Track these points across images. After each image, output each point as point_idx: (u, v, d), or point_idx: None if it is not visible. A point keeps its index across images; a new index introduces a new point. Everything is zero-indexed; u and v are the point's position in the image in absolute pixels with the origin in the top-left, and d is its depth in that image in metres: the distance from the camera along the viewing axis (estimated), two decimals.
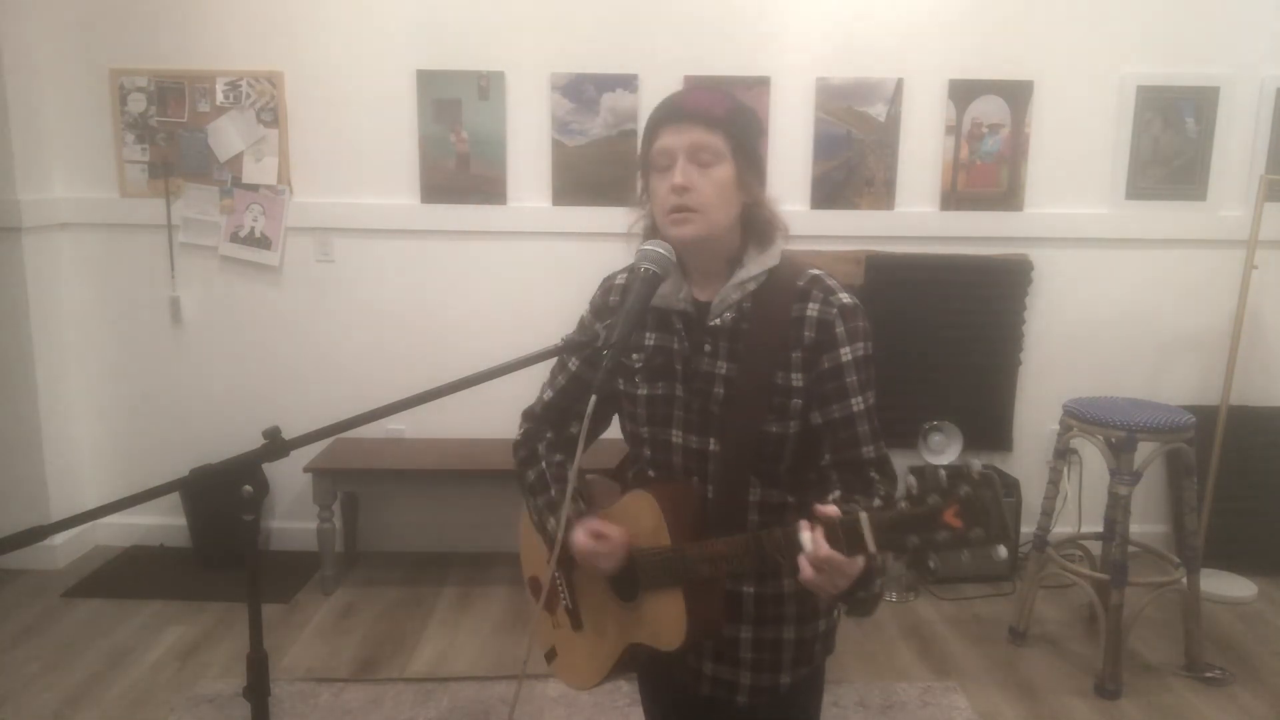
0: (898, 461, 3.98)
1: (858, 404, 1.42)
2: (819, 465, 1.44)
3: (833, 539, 1.18)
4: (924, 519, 1.13)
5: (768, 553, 1.32)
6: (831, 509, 1.20)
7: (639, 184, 1.50)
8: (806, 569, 1.21)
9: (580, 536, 1.47)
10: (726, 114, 1.40)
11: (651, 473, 1.54)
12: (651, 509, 1.44)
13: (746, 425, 1.42)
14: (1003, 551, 1.12)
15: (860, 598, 1.29)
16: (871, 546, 1.16)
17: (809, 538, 1.20)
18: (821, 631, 1.55)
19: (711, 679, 1.54)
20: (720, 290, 1.44)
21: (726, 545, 1.36)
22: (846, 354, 1.41)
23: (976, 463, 1.12)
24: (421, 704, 2.87)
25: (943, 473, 1.14)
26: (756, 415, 1.42)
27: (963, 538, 1.11)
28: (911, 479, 1.17)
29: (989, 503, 1.10)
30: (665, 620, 1.45)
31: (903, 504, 1.14)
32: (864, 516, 1.16)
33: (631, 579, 1.48)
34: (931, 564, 1.12)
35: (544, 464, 1.60)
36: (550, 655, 1.71)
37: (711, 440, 1.45)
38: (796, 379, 1.42)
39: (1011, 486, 3.74)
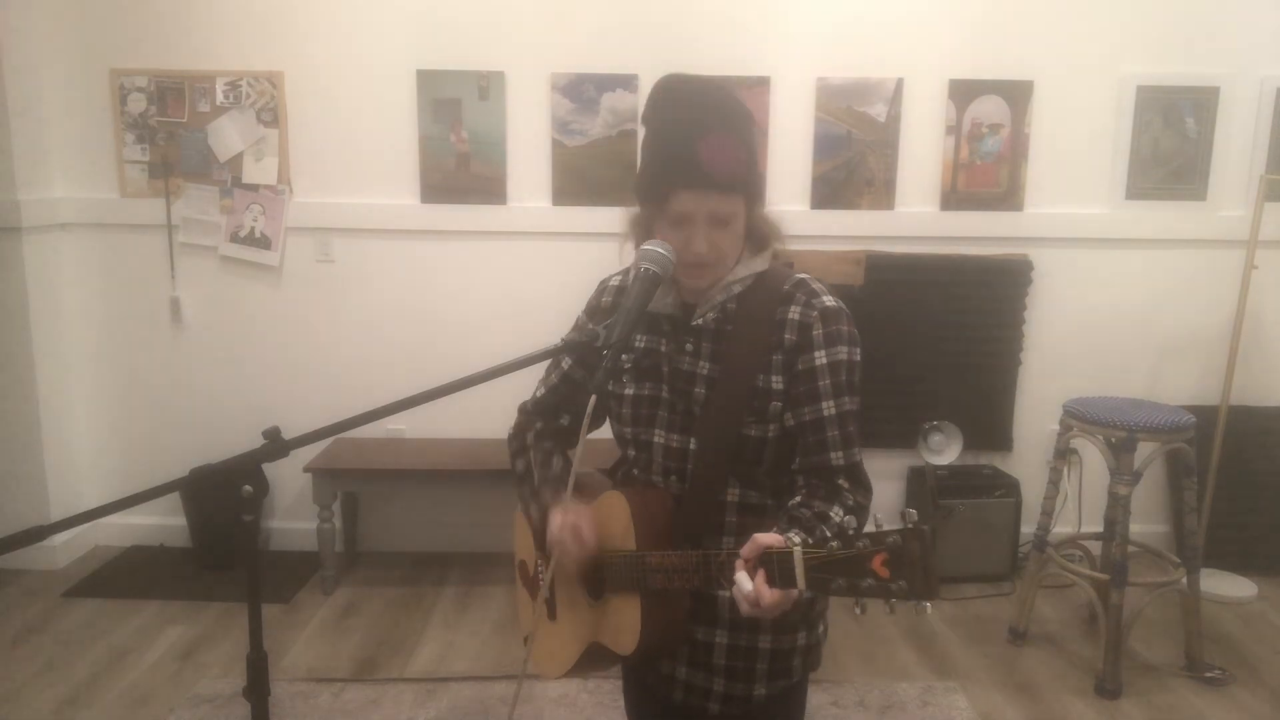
0: (898, 462, 4.03)
1: (829, 408, 1.40)
2: (791, 469, 1.44)
3: (768, 572, 1.19)
4: (852, 563, 1.12)
5: (713, 573, 1.31)
6: (772, 538, 1.21)
7: (641, 208, 1.46)
8: (742, 604, 1.22)
9: (556, 521, 1.46)
10: (745, 173, 1.37)
11: (635, 471, 1.54)
12: (623, 511, 1.44)
13: (726, 426, 1.42)
14: (928, 608, 1.08)
15: (811, 624, 1.30)
16: (801, 584, 1.16)
17: (744, 578, 1.20)
18: (801, 645, 1.51)
19: (685, 685, 1.52)
20: (706, 291, 1.45)
21: (679, 559, 1.36)
22: (821, 357, 1.40)
23: (913, 512, 1.10)
24: (421, 704, 2.87)
25: (878, 517, 1.14)
26: (736, 417, 1.41)
27: (886, 588, 1.09)
28: (879, 517, 1.16)
29: (915, 556, 1.08)
30: (623, 624, 1.45)
31: (833, 544, 1.13)
32: (797, 553, 1.17)
33: (599, 578, 1.49)
34: (858, 610, 1.10)
35: (532, 452, 1.61)
36: (529, 640, 1.73)
37: (692, 440, 1.45)
38: (776, 381, 1.41)
39: (1011, 486, 3.75)
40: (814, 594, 1.18)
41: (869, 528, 1.14)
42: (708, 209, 1.35)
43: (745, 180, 1.38)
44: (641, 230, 1.47)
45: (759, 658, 1.49)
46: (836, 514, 1.35)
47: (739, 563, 1.22)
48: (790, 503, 1.39)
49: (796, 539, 1.22)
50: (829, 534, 1.30)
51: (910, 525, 1.09)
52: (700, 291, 1.46)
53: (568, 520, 1.44)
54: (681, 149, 1.33)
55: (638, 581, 1.41)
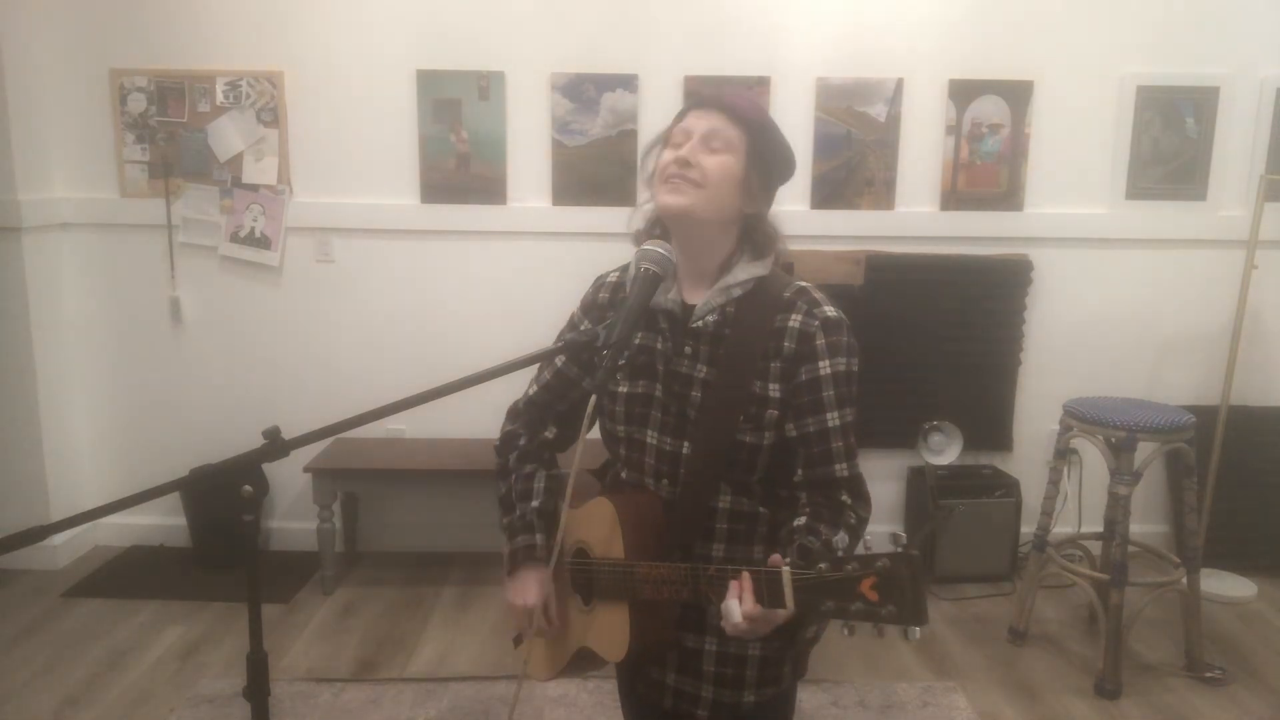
0: (898, 462, 4.03)
1: (833, 419, 1.40)
2: (792, 481, 1.43)
3: (756, 591, 1.21)
4: (841, 585, 1.12)
5: (701, 588, 1.32)
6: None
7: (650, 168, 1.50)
8: (727, 626, 1.24)
9: (524, 593, 1.52)
10: (754, 118, 1.42)
11: (625, 473, 1.53)
12: (610, 518, 1.44)
13: (720, 431, 1.41)
14: (917, 633, 1.10)
15: (795, 641, 1.32)
16: (789, 604, 1.17)
17: (734, 607, 1.22)
18: (790, 653, 1.51)
19: (674, 691, 1.52)
20: (707, 294, 1.44)
21: (669, 571, 1.36)
22: (825, 368, 1.40)
23: (902, 535, 1.12)
24: (421, 704, 2.87)
25: (867, 540, 1.15)
26: (731, 422, 1.41)
27: (875, 612, 1.10)
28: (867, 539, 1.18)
29: (905, 581, 1.08)
30: (612, 631, 1.45)
31: (822, 566, 1.14)
32: (785, 573, 1.17)
33: (590, 584, 1.49)
34: (845, 631, 1.12)
35: (514, 477, 1.59)
36: (517, 640, 1.73)
37: (685, 444, 1.44)
38: (774, 389, 1.41)
39: (1011, 486, 3.74)
40: (803, 614, 1.20)
41: (858, 549, 1.15)
42: (707, 125, 1.40)
43: (751, 122, 1.42)
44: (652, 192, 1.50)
45: (748, 665, 1.48)
46: (840, 539, 1.36)
47: (732, 584, 1.24)
48: (796, 524, 1.38)
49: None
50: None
51: (900, 549, 1.09)
52: (699, 287, 1.46)
53: (531, 601, 1.50)
54: (707, 94, 1.49)
55: (627, 591, 1.41)
